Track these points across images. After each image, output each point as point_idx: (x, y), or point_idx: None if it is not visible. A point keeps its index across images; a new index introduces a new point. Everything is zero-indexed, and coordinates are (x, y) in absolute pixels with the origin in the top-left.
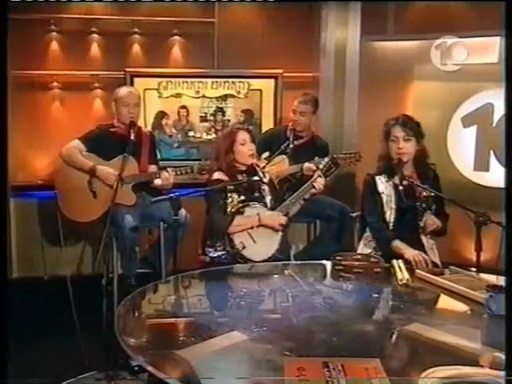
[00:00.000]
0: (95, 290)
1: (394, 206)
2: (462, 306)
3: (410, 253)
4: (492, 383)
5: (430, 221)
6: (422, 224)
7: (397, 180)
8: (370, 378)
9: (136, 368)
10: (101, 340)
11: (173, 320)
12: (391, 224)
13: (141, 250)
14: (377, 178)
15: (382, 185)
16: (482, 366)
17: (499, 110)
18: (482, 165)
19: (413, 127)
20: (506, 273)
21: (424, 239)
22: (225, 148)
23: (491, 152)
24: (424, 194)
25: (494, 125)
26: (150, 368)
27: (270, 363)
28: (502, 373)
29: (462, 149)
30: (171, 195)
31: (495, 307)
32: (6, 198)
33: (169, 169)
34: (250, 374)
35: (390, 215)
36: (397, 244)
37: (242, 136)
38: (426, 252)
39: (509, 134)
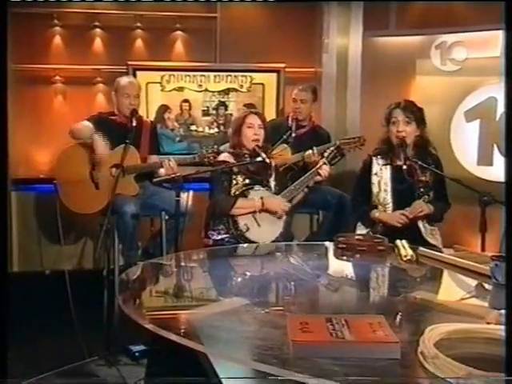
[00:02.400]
0: (96, 284)
1: (388, 188)
2: (467, 279)
3: (390, 217)
4: (495, 338)
5: (418, 205)
6: (409, 208)
7: (395, 162)
8: (374, 331)
9: (137, 354)
10: (101, 328)
11: (175, 288)
12: (387, 206)
13: (142, 242)
14: (374, 158)
15: (377, 166)
16: (488, 323)
17: (502, 104)
18: (485, 159)
19: (414, 112)
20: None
21: (420, 224)
22: (234, 129)
23: (495, 146)
24: (422, 178)
25: (497, 119)
26: (151, 327)
27: (273, 323)
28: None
29: (465, 143)
30: (173, 176)
31: (501, 277)
32: (6, 193)
33: (171, 157)
34: (253, 332)
35: (384, 197)
36: (374, 214)
37: (251, 120)
38: (422, 237)
39: (509, 128)
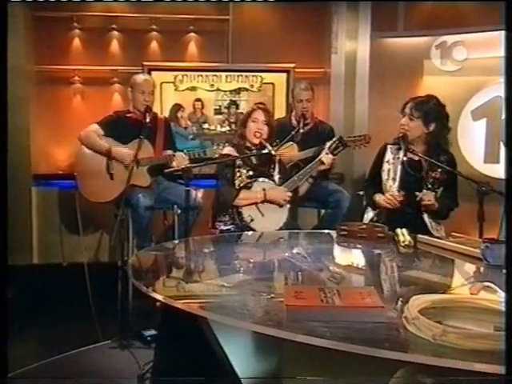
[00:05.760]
0: (111, 276)
1: (396, 177)
2: (462, 262)
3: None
4: (479, 307)
5: (426, 196)
6: (418, 197)
7: (404, 153)
8: (363, 298)
9: (149, 338)
10: (116, 316)
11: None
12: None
13: (156, 236)
14: (389, 146)
15: (391, 154)
16: (472, 294)
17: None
18: (492, 157)
19: (422, 109)
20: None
21: (427, 219)
22: (241, 121)
23: (501, 144)
24: (432, 174)
25: (503, 117)
26: (160, 297)
27: (272, 293)
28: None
29: (472, 142)
30: (183, 167)
31: (492, 259)
32: (6, 189)
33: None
34: (253, 300)
35: (390, 185)
36: (375, 197)
37: (257, 114)
38: (429, 231)
39: (509, 125)
